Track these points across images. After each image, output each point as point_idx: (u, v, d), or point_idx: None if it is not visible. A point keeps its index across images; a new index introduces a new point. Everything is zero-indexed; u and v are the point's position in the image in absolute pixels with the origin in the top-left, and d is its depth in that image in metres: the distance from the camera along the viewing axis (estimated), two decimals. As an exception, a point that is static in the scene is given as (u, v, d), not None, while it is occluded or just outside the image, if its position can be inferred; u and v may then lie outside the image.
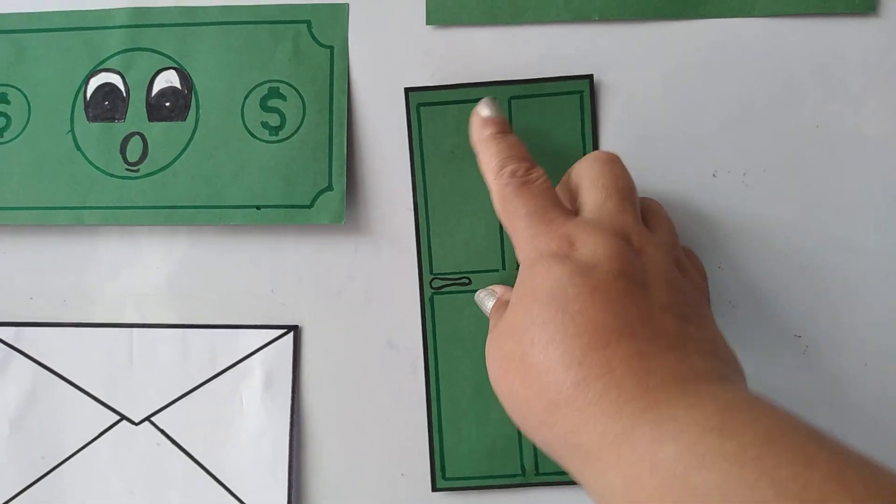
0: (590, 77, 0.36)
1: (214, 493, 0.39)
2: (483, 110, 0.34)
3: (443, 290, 0.38)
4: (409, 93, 0.38)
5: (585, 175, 0.30)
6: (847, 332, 0.36)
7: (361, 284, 0.39)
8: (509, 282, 0.37)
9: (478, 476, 0.37)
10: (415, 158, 0.38)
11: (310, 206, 0.38)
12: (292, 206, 0.38)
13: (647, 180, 0.37)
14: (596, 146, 0.37)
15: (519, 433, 0.37)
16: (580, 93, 0.36)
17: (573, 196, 0.31)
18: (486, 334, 0.37)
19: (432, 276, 0.38)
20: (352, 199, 0.39)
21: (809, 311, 0.36)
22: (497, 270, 0.37)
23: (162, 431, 0.40)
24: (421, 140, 0.38)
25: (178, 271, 0.40)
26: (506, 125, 0.33)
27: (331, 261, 0.39)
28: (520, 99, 0.37)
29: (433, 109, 0.38)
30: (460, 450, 0.37)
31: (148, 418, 0.40)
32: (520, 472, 0.37)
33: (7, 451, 0.41)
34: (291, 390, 0.39)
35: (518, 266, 0.30)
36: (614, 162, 0.31)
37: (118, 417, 0.40)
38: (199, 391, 0.40)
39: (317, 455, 0.39)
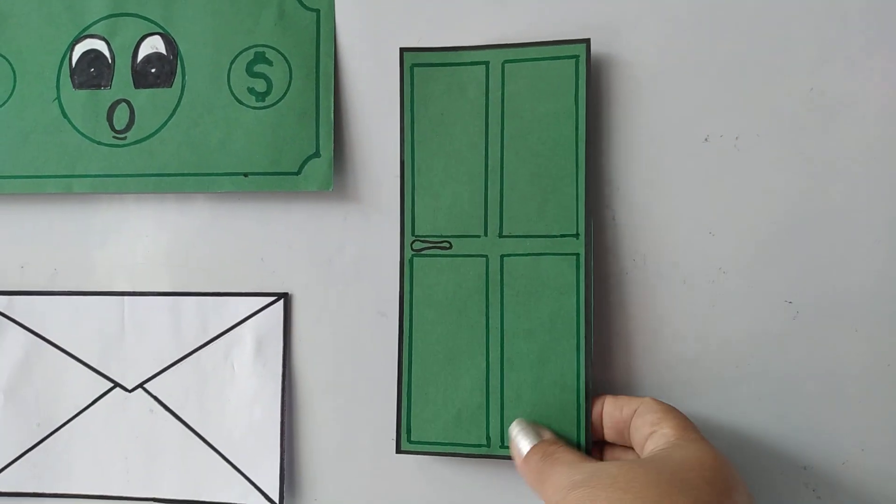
0: (587, 41, 0.36)
1: (207, 457, 0.40)
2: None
3: (423, 252, 0.37)
4: (404, 52, 0.37)
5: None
6: (838, 297, 0.36)
7: (351, 252, 0.39)
8: (489, 248, 0.37)
9: (443, 442, 0.37)
10: (404, 119, 0.37)
11: (297, 173, 0.38)
12: (280, 174, 0.38)
13: (639, 144, 0.36)
14: (589, 111, 0.36)
15: (487, 402, 0.37)
16: (576, 57, 0.36)
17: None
18: (462, 300, 0.37)
19: (414, 238, 0.37)
20: (340, 166, 0.39)
21: (800, 277, 0.36)
22: (479, 236, 0.37)
23: (155, 398, 0.40)
24: (412, 101, 0.37)
25: (168, 239, 0.40)
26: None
27: (320, 228, 0.39)
28: (514, 63, 0.36)
29: (427, 70, 0.37)
30: (426, 414, 0.37)
31: (141, 385, 0.41)
32: (485, 442, 0.37)
33: (2, 419, 0.41)
34: (282, 357, 0.39)
35: None
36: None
37: (111, 384, 0.41)
38: (191, 358, 0.40)
39: (308, 420, 0.40)
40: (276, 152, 0.38)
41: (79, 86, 0.39)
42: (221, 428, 0.40)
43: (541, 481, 0.32)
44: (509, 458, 0.36)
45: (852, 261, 0.36)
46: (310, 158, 0.38)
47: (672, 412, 0.32)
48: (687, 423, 0.31)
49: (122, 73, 0.39)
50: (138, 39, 0.39)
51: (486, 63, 0.37)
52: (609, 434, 0.34)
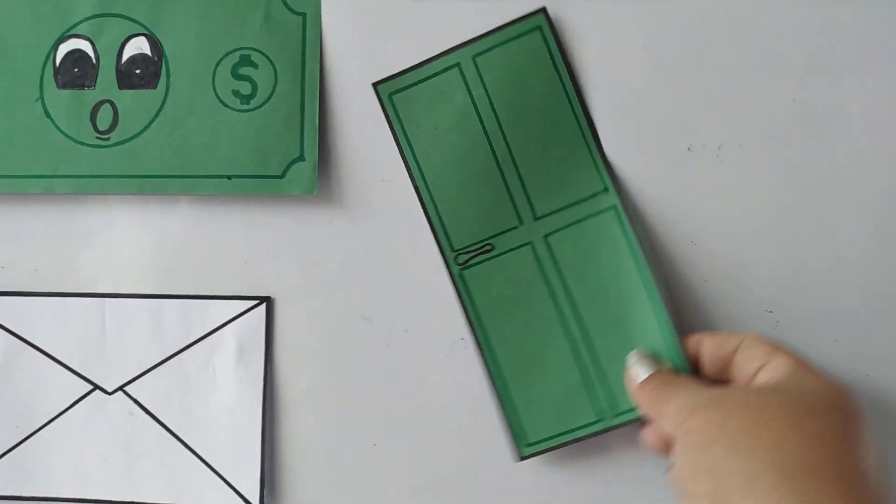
0: (543, 10, 0.36)
1: (187, 461, 0.40)
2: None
3: (469, 263, 0.37)
4: (377, 86, 0.37)
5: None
6: (819, 307, 0.36)
7: (335, 257, 0.39)
8: (530, 234, 0.37)
9: (559, 433, 0.37)
10: (402, 146, 0.37)
11: (281, 177, 0.38)
12: (264, 177, 0.38)
13: (623, 153, 0.37)
14: (574, 80, 0.36)
15: (586, 377, 0.36)
16: (539, 27, 0.36)
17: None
18: (523, 293, 0.37)
19: (455, 253, 0.37)
20: (325, 170, 0.39)
21: (781, 287, 0.36)
22: (516, 227, 0.37)
23: (135, 401, 0.40)
24: (402, 127, 0.37)
25: (150, 241, 0.40)
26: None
27: (304, 233, 0.39)
28: (483, 54, 0.36)
29: (405, 94, 0.37)
30: (533, 414, 0.37)
31: (121, 388, 0.40)
32: (598, 417, 0.36)
33: (-19, 419, 0.41)
34: (264, 361, 0.39)
35: None
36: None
37: (91, 387, 0.40)
38: (173, 361, 0.40)
39: (290, 425, 0.40)
40: (261, 155, 0.38)
41: (62, 86, 0.39)
42: (202, 431, 0.40)
43: (659, 403, 0.32)
44: (625, 424, 0.36)
45: (833, 271, 0.36)
46: (294, 162, 0.38)
47: (781, 346, 0.31)
48: (800, 357, 0.31)
49: (107, 74, 0.39)
50: (123, 40, 0.39)
51: (458, 64, 0.37)
52: (709, 370, 0.34)
